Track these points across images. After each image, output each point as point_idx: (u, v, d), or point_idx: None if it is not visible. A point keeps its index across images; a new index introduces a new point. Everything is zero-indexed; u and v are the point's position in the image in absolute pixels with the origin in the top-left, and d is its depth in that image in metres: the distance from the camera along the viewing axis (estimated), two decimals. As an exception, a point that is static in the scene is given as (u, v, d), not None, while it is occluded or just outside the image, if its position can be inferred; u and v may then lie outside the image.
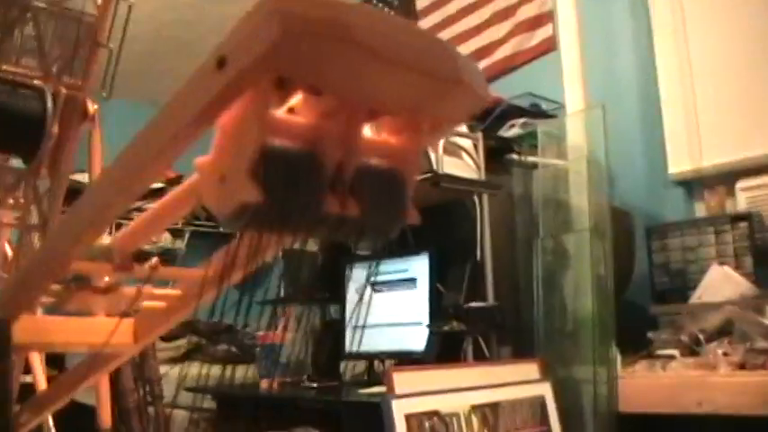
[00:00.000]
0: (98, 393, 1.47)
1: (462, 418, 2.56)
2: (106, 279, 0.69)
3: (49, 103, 1.36)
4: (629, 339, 3.13)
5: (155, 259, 0.59)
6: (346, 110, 0.39)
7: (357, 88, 0.38)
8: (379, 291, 3.21)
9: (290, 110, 0.41)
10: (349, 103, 0.39)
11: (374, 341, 3.07)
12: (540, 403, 2.76)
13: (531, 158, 3.46)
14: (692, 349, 2.82)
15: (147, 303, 0.74)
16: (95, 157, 1.44)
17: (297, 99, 0.41)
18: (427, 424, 2.48)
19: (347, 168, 0.39)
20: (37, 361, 1.57)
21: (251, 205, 0.36)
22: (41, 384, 1.48)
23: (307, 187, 0.37)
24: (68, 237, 0.54)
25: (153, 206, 0.49)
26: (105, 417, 1.43)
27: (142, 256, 0.64)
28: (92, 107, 1.44)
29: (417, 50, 0.37)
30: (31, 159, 1.43)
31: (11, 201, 1.55)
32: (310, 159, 0.38)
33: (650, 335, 3.17)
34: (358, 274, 3.34)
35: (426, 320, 3.15)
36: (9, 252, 1.71)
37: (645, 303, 3.42)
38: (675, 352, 2.90)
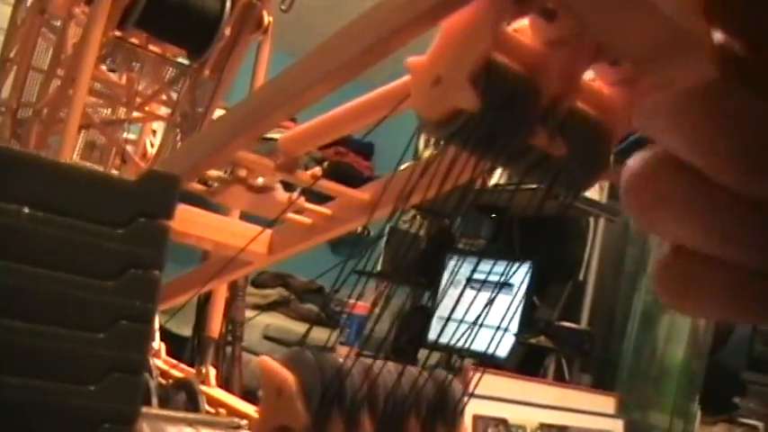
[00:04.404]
0: (213, 301, 1.49)
1: (528, 433, 2.52)
2: (260, 180, 0.68)
3: (228, 5, 1.38)
4: (714, 399, 3.04)
5: (317, 168, 0.58)
6: (572, 43, 0.37)
7: (595, 20, 0.35)
8: (474, 288, 3.17)
9: (515, 30, 0.39)
10: (578, 36, 0.36)
11: (457, 337, 3.04)
12: (608, 439, 2.69)
13: (657, 194, 3.38)
14: (778, 424, 2.72)
15: (291, 215, 0.73)
16: (261, 70, 1.44)
17: (524, 21, 0.39)
18: (492, 430, 2.44)
19: (561, 105, 0.37)
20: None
21: (464, 112, 0.34)
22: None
23: (522, 110, 0.35)
24: (246, 119, 0.54)
25: (339, 108, 0.47)
26: (215, 326, 1.45)
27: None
28: (267, 18, 1.45)
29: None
30: (198, 57, 1.45)
31: (164, 96, 1.58)
32: (529, 85, 0.36)
33: (737, 400, 3.08)
34: (457, 268, 3.31)
35: (514, 329, 3.11)
36: (150, 148, 1.74)
37: (738, 367, 3.31)
38: (760, 424, 2.81)
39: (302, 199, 0.69)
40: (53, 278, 0.40)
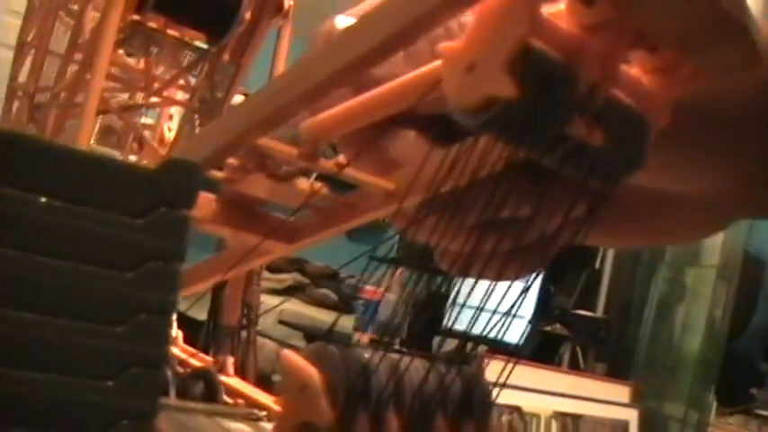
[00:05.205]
0: (230, 289, 1.49)
1: (542, 421, 2.51)
2: (283, 168, 0.67)
3: (248, -11, 1.37)
4: (730, 390, 3.03)
5: (342, 156, 0.56)
6: (611, 29, 0.35)
7: (635, 4, 0.34)
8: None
9: (551, 15, 0.37)
10: (617, 21, 0.35)
11: (474, 324, 3.03)
12: (622, 428, 2.68)
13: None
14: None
15: (313, 204, 0.71)
16: (281, 55, 1.43)
17: (560, 5, 0.37)
18: (505, 418, 2.44)
19: (599, 94, 0.35)
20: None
21: (501, 100, 0.32)
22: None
23: (559, 98, 0.33)
24: (266, 106, 0.52)
25: (366, 94, 0.45)
26: (232, 314, 1.45)
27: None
28: (287, 2, 1.44)
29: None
30: (218, 41, 1.44)
31: (182, 82, 1.57)
32: (566, 72, 0.35)
33: (754, 391, 3.06)
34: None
35: (529, 316, 3.10)
36: (167, 133, 1.73)
37: (755, 358, 3.29)
38: (776, 415, 2.80)
39: (324, 188, 0.68)
40: (69, 270, 0.39)
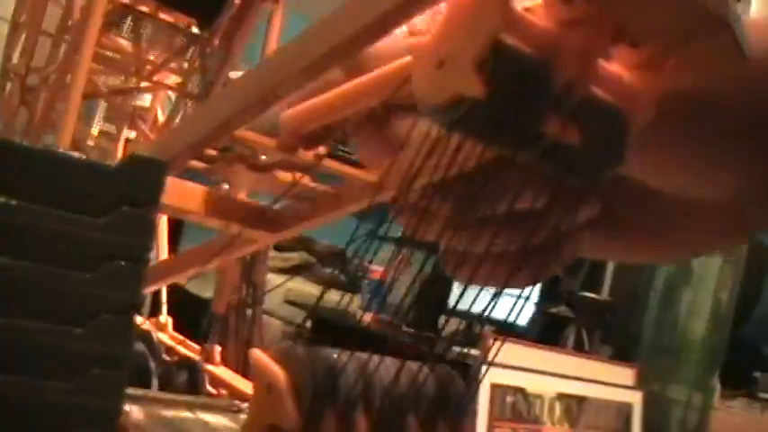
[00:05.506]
0: (222, 278, 1.48)
1: (546, 403, 2.51)
2: (263, 158, 0.66)
3: (237, -27, 1.35)
4: (734, 374, 3.03)
5: (322, 147, 0.55)
6: (590, 24, 0.34)
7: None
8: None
9: (526, 9, 0.36)
10: (596, 15, 0.34)
11: (477, 304, 3.01)
12: (626, 411, 2.67)
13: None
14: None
15: (296, 194, 0.71)
16: (272, 39, 1.41)
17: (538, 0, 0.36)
18: (510, 399, 2.43)
19: (575, 91, 0.34)
20: (162, 227, 1.59)
21: (469, 99, 0.31)
22: (163, 253, 1.50)
23: (532, 97, 0.32)
24: (249, 95, 0.51)
25: (343, 85, 0.44)
26: (223, 302, 1.44)
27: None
28: (279, -13, 1.42)
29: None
30: (208, 25, 1.42)
31: (174, 65, 1.55)
32: (541, 69, 0.33)
33: (757, 375, 3.06)
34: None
35: (535, 298, 3.09)
36: (160, 116, 1.72)
37: (759, 342, 3.29)
38: (779, 399, 2.80)
39: (307, 178, 0.67)
40: (28, 269, 0.38)
